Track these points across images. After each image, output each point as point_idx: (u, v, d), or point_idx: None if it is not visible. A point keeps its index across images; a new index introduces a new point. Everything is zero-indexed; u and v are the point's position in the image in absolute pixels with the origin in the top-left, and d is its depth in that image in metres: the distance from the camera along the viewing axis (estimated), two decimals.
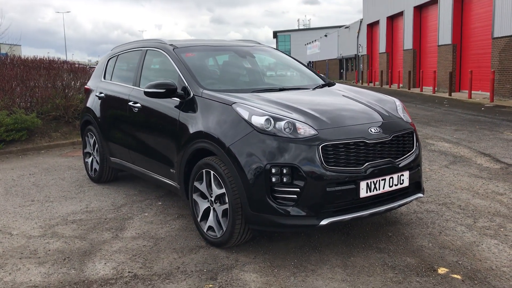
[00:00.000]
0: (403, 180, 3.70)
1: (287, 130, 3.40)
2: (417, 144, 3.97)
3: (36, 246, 3.97)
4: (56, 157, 7.95)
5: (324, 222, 3.35)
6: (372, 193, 3.50)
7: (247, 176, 3.40)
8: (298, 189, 3.31)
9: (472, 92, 19.24)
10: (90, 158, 6.03)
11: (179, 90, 4.18)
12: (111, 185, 5.88)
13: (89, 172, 6.08)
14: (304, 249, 3.75)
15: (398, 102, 4.30)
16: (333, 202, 3.39)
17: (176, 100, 4.22)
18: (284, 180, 3.34)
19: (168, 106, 4.31)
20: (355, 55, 44.01)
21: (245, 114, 3.56)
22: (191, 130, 3.94)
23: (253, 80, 4.88)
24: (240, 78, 4.88)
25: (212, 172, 3.71)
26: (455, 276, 3.22)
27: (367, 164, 3.48)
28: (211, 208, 3.83)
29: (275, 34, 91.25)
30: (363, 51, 40.31)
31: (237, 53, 5.07)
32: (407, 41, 28.83)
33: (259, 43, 5.52)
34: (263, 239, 3.94)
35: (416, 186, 3.88)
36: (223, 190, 3.60)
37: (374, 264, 3.44)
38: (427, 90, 24.59)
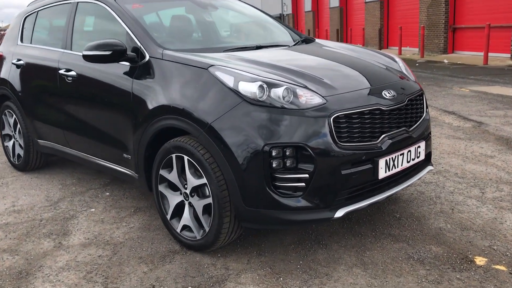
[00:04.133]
0: (419, 152, 3.07)
1: (286, 98, 2.62)
2: (427, 107, 3.34)
3: None
4: None
5: (339, 213, 2.65)
6: (391, 172, 2.84)
7: (238, 162, 2.60)
8: (307, 175, 2.57)
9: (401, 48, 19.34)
10: (11, 142, 4.89)
11: (129, 52, 3.22)
12: (42, 173, 4.80)
13: (11, 159, 4.94)
14: (305, 244, 3.04)
15: (397, 59, 3.63)
16: (348, 187, 2.69)
17: (126, 65, 3.27)
18: (288, 164, 2.58)
19: (115, 73, 3.34)
20: (280, 14, 43.22)
21: (228, 80, 2.71)
22: (152, 104, 3.03)
23: (221, 37, 3.99)
24: (205, 34, 3.97)
25: (186, 157, 2.86)
26: (498, 267, 2.67)
27: (383, 136, 2.80)
28: (186, 202, 2.99)
29: None
30: (288, 10, 39.60)
31: (195, 3, 4.12)
32: None
33: None
34: (251, 235, 3.19)
35: (426, 157, 3.27)
36: (204, 180, 2.78)
37: (397, 258, 2.82)
38: None
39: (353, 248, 2.96)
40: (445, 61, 15.34)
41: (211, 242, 2.85)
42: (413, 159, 3.00)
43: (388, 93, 2.90)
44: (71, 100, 3.85)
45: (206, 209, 2.86)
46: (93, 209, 3.80)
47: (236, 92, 2.66)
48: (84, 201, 3.98)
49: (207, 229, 2.86)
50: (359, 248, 2.96)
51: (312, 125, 2.58)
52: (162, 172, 3.07)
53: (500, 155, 4.67)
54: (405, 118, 2.98)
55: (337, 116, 2.62)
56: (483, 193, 3.73)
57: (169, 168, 3.03)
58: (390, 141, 2.81)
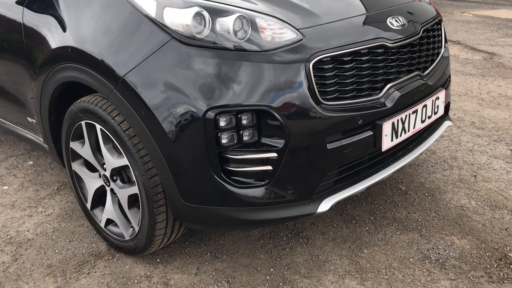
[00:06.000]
0: (438, 106, 2.17)
1: (240, 34, 1.66)
2: (446, 41, 2.40)
3: None
4: None
5: (324, 206, 1.79)
6: (400, 139, 1.95)
7: (167, 137, 1.68)
8: (275, 154, 1.67)
9: None
10: None
11: None
12: None
13: None
14: (279, 237, 2.20)
15: None
16: (336, 167, 1.80)
17: None
18: (245, 138, 1.67)
19: (6, 0, 2.33)
20: None
21: (148, 6, 1.73)
22: (50, 45, 2.05)
23: None
24: None
25: (98, 126, 1.93)
26: None
27: (389, 87, 1.88)
28: (107, 188, 2.10)
29: None
30: None
31: None
32: None
33: None
34: None
35: (445, 110, 2.37)
36: (125, 161, 1.87)
37: (407, 260, 1.99)
38: None
39: (344, 244, 2.13)
40: None
41: (143, 246, 1.99)
42: (429, 117, 2.11)
43: (396, 21, 1.95)
44: None
45: (135, 200, 1.98)
46: (6, 187, 2.89)
47: (160, 24, 1.69)
48: None
49: (136, 229, 1.99)
50: (353, 242, 2.13)
51: (281, 75, 1.65)
52: (73, 145, 2.15)
53: None
54: (418, 57, 2.05)
55: (320, 59, 1.68)
56: (511, 150, 2.88)
57: (81, 139, 2.11)
58: (399, 93, 1.90)
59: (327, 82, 1.71)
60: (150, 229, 1.90)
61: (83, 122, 2.01)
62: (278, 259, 2.05)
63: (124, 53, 1.74)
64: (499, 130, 3.16)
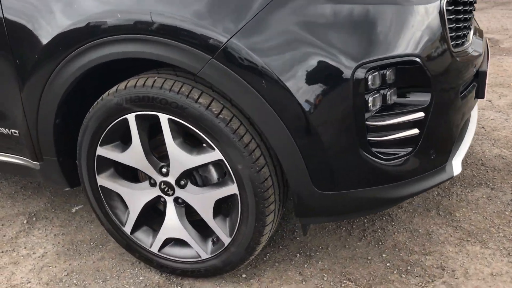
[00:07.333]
0: None
1: None
2: None
3: None
4: None
5: (457, 168, 1.58)
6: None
7: (302, 107, 1.30)
8: (422, 114, 1.40)
9: None
10: None
11: None
12: None
13: None
14: (360, 222, 1.93)
15: None
16: (463, 121, 1.63)
17: None
18: (388, 99, 1.38)
19: None
20: None
21: None
22: (66, 19, 1.47)
23: None
24: None
25: (164, 116, 1.43)
26: None
27: (467, 36, 1.76)
28: (167, 199, 1.60)
29: None
30: None
31: None
32: None
33: None
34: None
35: None
36: (215, 155, 1.42)
37: (502, 214, 1.90)
38: None
39: (430, 212, 1.95)
40: None
41: (239, 260, 1.57)
42: None
43: None
44: None
45: (220, 206, 1.53)
46: None
47: None
48: None
49: (226, 241, 1.55)
50: (437, 210, 1.97)
51: (420, 18, 1.39)
52: (103, 150, 1.59)
53: None
54: None
55: (447, 1, 1.47)
56: (489, 101, 3.01)
57: (118, 141, 1.58)
58: (472, 45, 1.78)
59: (451, 26, 1.50)
60: (255, 236, 1.49)
61: (130, 116, 1.49)
62: (380, 243, 1.79)
63: (223, 10, 1.30)
64: None
